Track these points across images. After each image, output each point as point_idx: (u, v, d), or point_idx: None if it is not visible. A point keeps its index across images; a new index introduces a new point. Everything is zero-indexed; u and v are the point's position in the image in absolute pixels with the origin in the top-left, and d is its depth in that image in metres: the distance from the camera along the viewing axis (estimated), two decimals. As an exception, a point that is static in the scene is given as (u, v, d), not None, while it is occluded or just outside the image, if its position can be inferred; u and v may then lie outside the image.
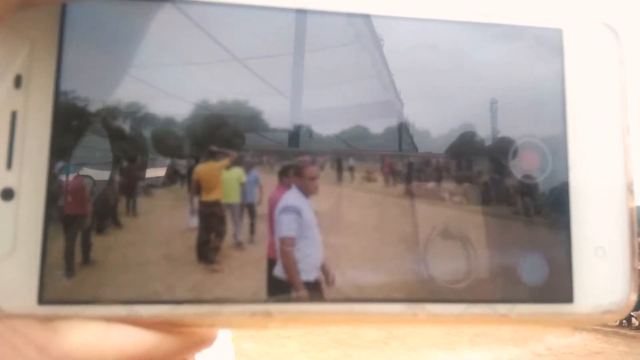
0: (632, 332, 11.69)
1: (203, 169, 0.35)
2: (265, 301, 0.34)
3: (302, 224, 0.37)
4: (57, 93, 0.32)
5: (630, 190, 0.37)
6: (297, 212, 0.37)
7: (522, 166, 0.37)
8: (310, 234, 0.37)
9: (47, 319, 0.30)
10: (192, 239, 0.35)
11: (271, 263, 0.36)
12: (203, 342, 0.34)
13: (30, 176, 0.32)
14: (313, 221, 0.37)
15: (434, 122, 0.37)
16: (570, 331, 12.02)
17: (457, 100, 0.37)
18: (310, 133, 0.36)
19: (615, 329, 11.85)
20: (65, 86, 0.32)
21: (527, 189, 0.37)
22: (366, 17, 0.36)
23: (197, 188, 0.35)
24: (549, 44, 0.37)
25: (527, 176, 0.38)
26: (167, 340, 0.32)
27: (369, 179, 0.37)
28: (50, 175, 0.32)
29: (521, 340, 11.34)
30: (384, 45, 0.36)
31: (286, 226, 0.37)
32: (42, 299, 0.31)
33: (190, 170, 0.35)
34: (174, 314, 0.33)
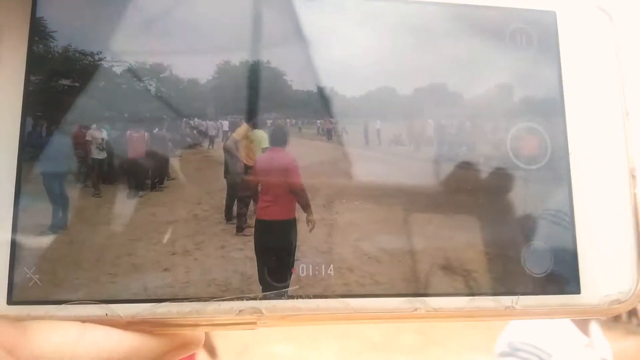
0: None
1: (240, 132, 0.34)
2: (254, 298, 0.32)
3: None
4: (27, 92, 0.31)
5: (632, 174, 0.36)
6: None
7: (521, 152, 0.37)
8: None
9: (18, 320, 0.28)
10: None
11: (262, 224, 0.34)
12: (189, 345, 0.32)
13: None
14: None
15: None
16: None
17: (452, 88, 0.37)
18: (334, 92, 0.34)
19: None
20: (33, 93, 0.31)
21: (528, 178, 0.37)
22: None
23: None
24: (544, 25, 0.37)
25: (528, 163, 0.37)
26: (149, 342, 0.30)
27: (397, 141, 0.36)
28: (17, 183, 0.30)
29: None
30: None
31: None
32: (12, 299, 0.29)
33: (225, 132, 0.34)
34: (154, 314, 0.31)
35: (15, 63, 0.31)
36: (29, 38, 0.31)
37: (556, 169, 0.36)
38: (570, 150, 0.37)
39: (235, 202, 0.34)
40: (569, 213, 0.36)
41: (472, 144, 0.36)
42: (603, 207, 0.36)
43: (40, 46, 0.31)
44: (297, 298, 0.33)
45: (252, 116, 0.34)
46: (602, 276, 0.35)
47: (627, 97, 0.37)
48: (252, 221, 0.34)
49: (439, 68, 0.36)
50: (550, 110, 0.36)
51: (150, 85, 0.32)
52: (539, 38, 0.37)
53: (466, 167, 0.36)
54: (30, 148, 0.30)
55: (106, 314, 0.30)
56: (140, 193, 0.33)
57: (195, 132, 0.34)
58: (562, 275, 0.35)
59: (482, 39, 0.36)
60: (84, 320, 0.29)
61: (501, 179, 0.37)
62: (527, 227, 0.36)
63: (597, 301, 0.35)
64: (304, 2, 0.34)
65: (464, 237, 0.35)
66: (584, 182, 0.36)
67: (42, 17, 0.31)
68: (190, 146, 0.34)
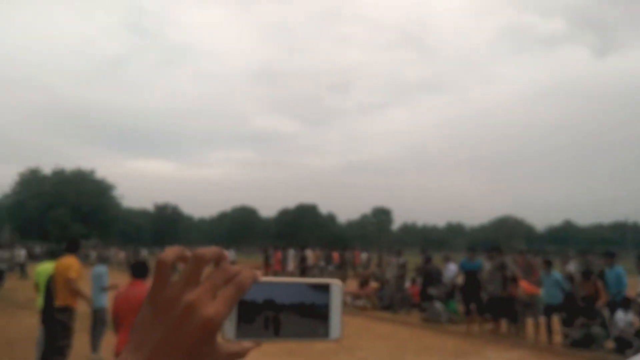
0: (566, 350, 12.77)
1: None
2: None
3: None
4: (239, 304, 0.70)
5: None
6: None
7: (321, 304, 0.76)
8: None
9: (238, 341, 0.71)
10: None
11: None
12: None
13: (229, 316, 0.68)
14: None
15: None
16: (510, 347, 13.24)
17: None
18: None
19: (551, 347, 13.08)
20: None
21: (321, 312, 0.76)
22: None
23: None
24: (326, 288, 0.78)
25: (324, 307, 0.76)
26: (252, 345, 0.71)
27: None
28: (236, 323, 0.71)
29: (462, 354, 12.74)
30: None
31: None
32: (237, 336, 0.72)
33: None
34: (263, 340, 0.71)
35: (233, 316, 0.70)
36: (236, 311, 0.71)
37: (325, 313, 0.74)
38: (331, 311, 0.81)
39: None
40: (328, 314, 0.75)
41: (303, 310, 0.74)
42: (335, 309, 0.76)
43: (240, 311, 0.70)
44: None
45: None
46: (333, 332, 0.76)
47: (341, 310, 0.75)
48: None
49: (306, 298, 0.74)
50: (326, 301, 0.75)
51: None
52: (324, 290, 0.77)
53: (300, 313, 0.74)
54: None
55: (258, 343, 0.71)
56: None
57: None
58: (327, 333, 0.75)
59: (313, 291, 0.76)
60: (254, 342, 0.71)
61: (316, 309, 0.75)
62: (320, 320, 0.75)
63: (333, 339, 0.75)
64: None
65: (311, 321, 0.74)
66: (333, 312, 0.76)
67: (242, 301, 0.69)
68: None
